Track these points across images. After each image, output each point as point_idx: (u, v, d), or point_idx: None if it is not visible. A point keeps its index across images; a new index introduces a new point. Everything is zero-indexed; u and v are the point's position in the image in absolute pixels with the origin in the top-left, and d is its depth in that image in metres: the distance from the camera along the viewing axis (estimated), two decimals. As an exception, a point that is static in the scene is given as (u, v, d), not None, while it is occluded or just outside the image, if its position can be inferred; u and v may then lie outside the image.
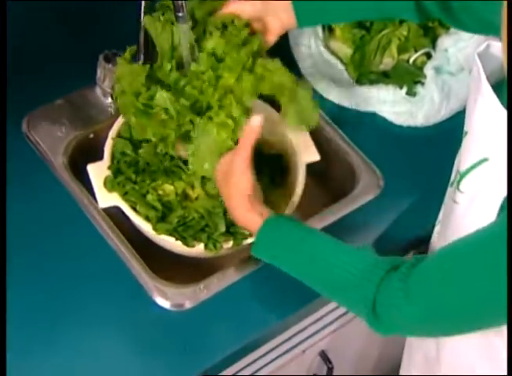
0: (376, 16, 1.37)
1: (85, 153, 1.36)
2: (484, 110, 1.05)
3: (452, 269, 0.99)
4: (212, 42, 1.20)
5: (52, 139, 1.38)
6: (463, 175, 1.12)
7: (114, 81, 1.22)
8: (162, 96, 1.17)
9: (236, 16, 1.22)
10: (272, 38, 1.25)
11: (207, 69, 1.18)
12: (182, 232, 1.25)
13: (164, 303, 1.24)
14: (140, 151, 1.30)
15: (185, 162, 1.30)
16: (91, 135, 1.41)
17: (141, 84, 1.17)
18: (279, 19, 1.24)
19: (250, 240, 1.26)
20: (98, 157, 1.31)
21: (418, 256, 1.04)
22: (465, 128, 1.12)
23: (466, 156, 1.11)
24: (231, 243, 1.25)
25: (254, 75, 1.19)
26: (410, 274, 1.01)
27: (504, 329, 1.12)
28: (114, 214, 1.31)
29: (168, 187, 1.31)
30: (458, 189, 1.13)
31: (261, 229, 1.14)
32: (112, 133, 1.32)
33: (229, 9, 1.23)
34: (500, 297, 0.92)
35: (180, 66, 1.21)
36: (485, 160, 1.07)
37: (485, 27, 1.15)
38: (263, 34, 1.24)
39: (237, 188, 1.16)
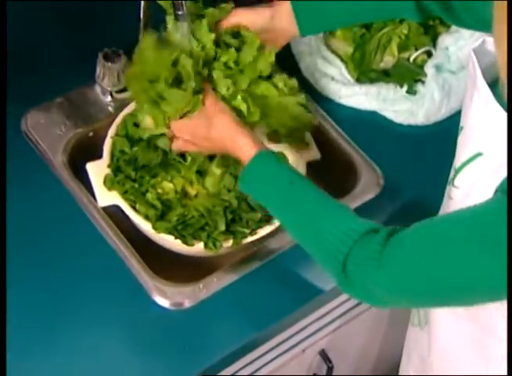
0: (376, 17, 1.35)
1: (85, 151, 1.36)
2: (480, 105, 1.05)
3: (434, 243, 0.96)
4: (227, 56, 1.20)
5: (51, 138, 1.37)
6: (458, 171, 1.11)
7: (134, 60, 1.20)
8: (186, 60, 1.15)
9: (244, 27, 1.22)
10: (276, 49, 1.25)
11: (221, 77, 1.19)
12: (181, 230, 1.25)
13: (164, 302, 1.23)
14: (134, 149, 1.30)
15: (182, 155, 1.30)
16: (91, 134, 1.40)
17: (165, 68, 1.16)
18: (284, 30, 1.24)
19: (249, 239, 1.26)
20: (97, 155, 1.31)
21: (400, 226, 1.02)
22: (461, 124, 1.12)
23: (461, 151, 1.11)
24: (230, 242, 1.25)
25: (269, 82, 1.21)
26: (389, 240, 0.99)
27: (495, 327, 1.12)
28: (114, 213, 1.30)
29: (167, 185, 1.30)
30: (453, 184, 1.13)
31: (252, 160, 1.13)
32: (111, 131, 1.32)
33: (237, 19, 1.23)
34: (481, 275, 0.91)
35: None
36: (480, 154, 1.06)
37: (486, 25, 1.14)
38: (269, 44, 1.23)
39: (222, 120, 1.16)
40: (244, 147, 1.14)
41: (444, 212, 1.23)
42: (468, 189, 1.10)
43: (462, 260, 0.93)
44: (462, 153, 1.10)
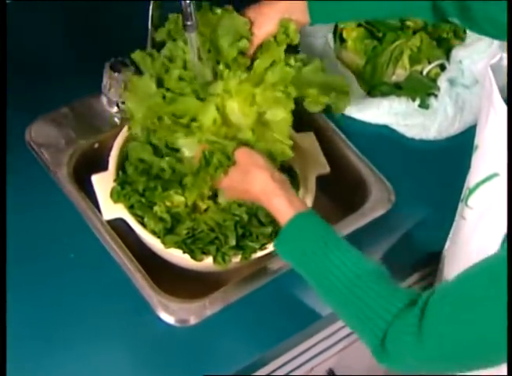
0: (391, 14, 1.34)
1: (89, 163, 1.35)
2: (496, 123, 1.03)
3: (461, 309, 0.95)
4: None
5: (55, 149, 1.36)
6: (471, 191, 1.09)
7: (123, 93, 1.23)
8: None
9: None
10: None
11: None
12: (190, 244, 1.23)
13: (169, 319, 1.22)
14: (167, 159, 1.27)
15: None
16: (96, 145, 1.39)
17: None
18: (294, 18, 1.24)
19: (258, 254, 1.24)
20: (102, 167, 1.30)
21: (432, 291, 1.00)
22: (475, 142, 1.10)
23: (476, 170, 1.09)
24: (239, 256, 1.23)
25: None
26: (424, 312, 0.97)
27: None
28: (119, 226, 1.29)
29: (178, 198, 1.28)
30: (466, 204, 1.11)
31: (289, 223, 1.10)
32: (118, 143, 1.30)
33: (259, 40, 1.24)
34: None
35: None
36: (496, 175, 1.04)
37: (502, 31, 1.12)
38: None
39: (256, 176, 1.13)
40: (280, 208, 1.12)
41: (456, 231, 1.20)
42: (482, 210, 1.08)
43: (494, 320, 0.91)
44: (477, 173, 1.08)
